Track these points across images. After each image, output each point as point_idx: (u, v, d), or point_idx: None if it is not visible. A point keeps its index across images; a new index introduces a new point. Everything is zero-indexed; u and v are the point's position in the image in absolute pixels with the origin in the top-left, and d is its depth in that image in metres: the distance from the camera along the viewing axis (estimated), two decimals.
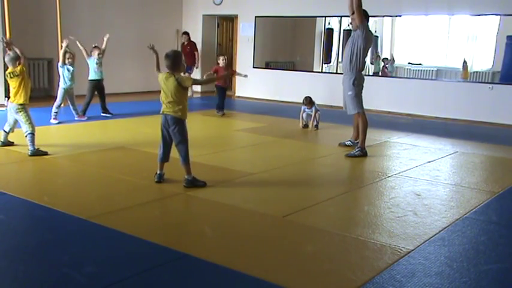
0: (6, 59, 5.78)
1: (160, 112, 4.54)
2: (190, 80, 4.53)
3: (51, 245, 3.28)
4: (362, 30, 6.09)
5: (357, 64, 6.13)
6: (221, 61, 9.13)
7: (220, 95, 9.29)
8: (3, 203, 4.04)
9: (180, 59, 4.54)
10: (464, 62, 10.70)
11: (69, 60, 7.98)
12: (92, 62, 8.43)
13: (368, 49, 6.26)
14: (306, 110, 8.24)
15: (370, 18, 6.33)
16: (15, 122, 5.85)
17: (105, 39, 8.62)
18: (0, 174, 4.95)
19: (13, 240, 3.39)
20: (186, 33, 12.43)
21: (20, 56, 5.67)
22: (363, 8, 6.15)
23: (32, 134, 5.59)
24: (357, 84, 6.17)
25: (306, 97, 8.26)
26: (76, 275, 2.83)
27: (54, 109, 7.84)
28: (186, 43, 12.29)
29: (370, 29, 6.42)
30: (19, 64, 5.67)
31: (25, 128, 5.63)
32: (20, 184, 4.75)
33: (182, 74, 4.59)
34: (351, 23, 6.48)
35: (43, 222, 3.72)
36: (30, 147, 5.56)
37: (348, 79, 6.22)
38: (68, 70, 7.95)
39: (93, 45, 8.59)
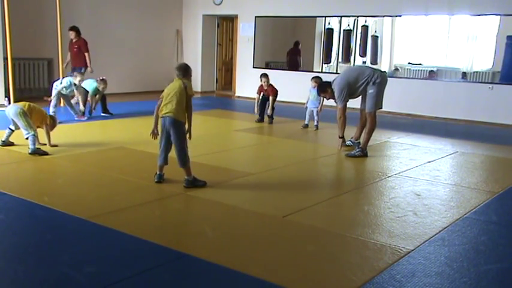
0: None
1: (160, 115, 4.54)
2: (192, 92, 4.57)
3: (50, 245, 3.28)
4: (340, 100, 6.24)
5: (370, 78, 6.11)
6: (263, 82, 8.61)
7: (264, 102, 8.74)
8: (3, 203, 4.04)
9: (189, 71, 4.64)
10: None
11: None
12: (95, 87, 8.44)
13: (359, 78, 6.22)
14: (312, 90, 8.11)
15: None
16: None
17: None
18: (0, 174, 4.95)
19: (13, 240, 3.39)
20: (73, 29, 9.54)
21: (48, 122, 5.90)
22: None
23: (34, 135, 5.60)
24: (378, 83, 6.12)
25: (315, 76, 8.24)
26: (76, 274, 2.83)
27: (51, 109, 7.82)
28: (74, 40, 9.54)
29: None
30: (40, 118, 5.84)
31: (26, 132, 5.61)
32: (20, 184, 4.75)
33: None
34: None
35: (43, 222, 3.71)
36: (31, 146, 5.55)
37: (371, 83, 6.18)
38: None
39: (100, 78, 8.53)
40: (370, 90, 6.15)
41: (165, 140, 4.58)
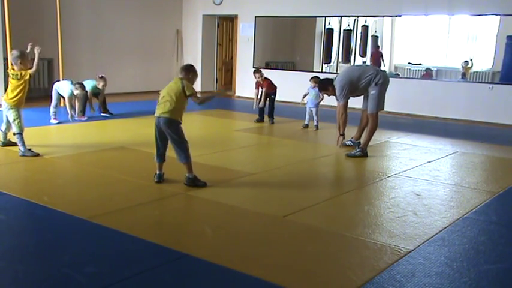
0: (10, 58, 5.72)
1: (154, 114, 4.53)
2: (193, 90, 4.52)
3: (51, 245, 3.28)
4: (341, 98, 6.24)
5: (372, 77, 6.10)
6: (257, 79, 8.48)
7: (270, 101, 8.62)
8: (3, 203, 4.04)
9: (192, 71, 4.62)
10: (467, 61, 10.70)
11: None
12: (93, 85, 8.42)
13: (361, 78, 6.21)
14: (311, 89, 8.12)
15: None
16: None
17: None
18: (0, 174, 4.95)
19: (13, 240, 3.39)
20: None
21: (24, 55, 5.56)
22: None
23: (19, 134, 5.54)
24: (381, 84, 6.12)
25: (314, 76, 8.25)
26: (76, 275, 2.83)
27: (51, 109, 7.83)
28: None
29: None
30: (23, 68, 5.60)
31: (13, 128, 5.60)
32: (20, 184, 4.75)
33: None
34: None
35: (43, 222, 3.72)
36: (21, 148, 5.52)
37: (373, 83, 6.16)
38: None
39: (99, 76, 8.53)
40: (372, 91, 6.13)
41: (159, 138, 4.57)
